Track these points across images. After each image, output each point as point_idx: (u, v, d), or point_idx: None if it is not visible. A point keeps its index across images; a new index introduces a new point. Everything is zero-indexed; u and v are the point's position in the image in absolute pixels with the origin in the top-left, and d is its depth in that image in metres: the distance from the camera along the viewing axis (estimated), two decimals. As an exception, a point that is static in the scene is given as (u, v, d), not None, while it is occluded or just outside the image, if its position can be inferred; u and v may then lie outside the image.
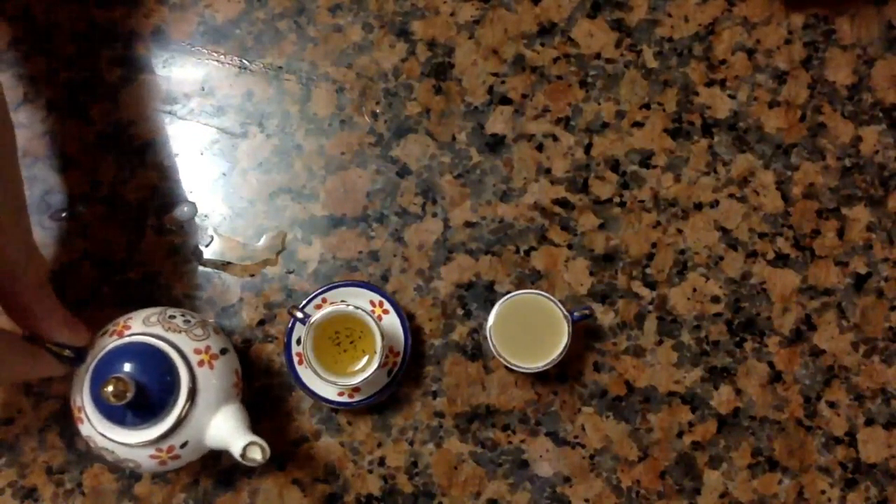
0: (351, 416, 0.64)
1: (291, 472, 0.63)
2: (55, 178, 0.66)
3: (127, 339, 0.53)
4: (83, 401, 0.53)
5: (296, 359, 0.62)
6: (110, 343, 0.53)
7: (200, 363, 0.53)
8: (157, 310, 0.56)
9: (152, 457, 0.53)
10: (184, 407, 0.52)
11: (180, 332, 0.54)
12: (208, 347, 0.54)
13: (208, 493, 0.63)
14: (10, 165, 0.51)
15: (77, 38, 0.68)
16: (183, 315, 0.56)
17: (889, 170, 0.66)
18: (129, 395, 0.49)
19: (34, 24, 0.68)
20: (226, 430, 0.53)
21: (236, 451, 0.52)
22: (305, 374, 0.62)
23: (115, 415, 0.51)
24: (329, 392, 0.61)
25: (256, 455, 0.52)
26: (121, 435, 0.52)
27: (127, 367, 0.51)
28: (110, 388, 0.48)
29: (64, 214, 0.66)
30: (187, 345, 0.54)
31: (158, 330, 0.54)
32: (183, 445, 0.53)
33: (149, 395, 0.51)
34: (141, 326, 0.54)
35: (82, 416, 0.53)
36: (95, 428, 0.52)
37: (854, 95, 0.67)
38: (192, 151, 0.67)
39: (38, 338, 0.53)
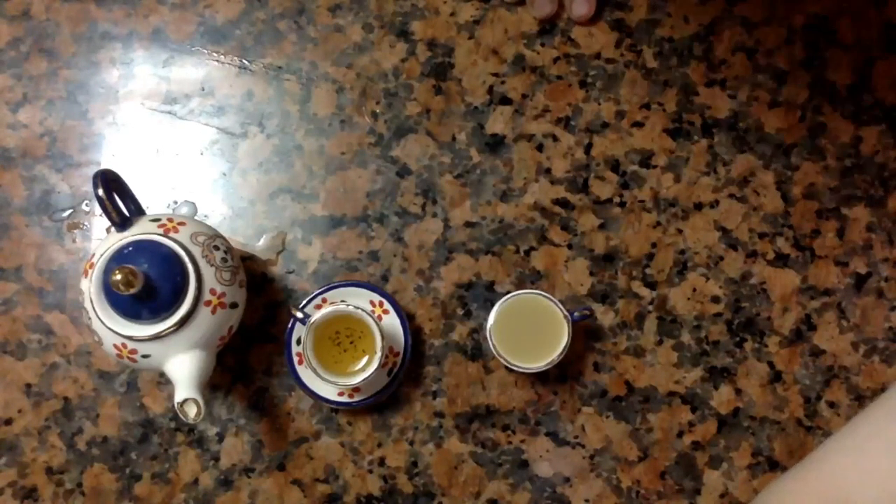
0: (351, 416, 0.64)
1: (291, 473, 0.63)
2: (55, 178, 0.66)
3: (166, 241, 0.53)
4: (99, 258, 0.53)
5: (296, 359, 0.62)
6: (154, 233, 0.54)
7: (208, 303, 0.54)
8: (211, 232, 0.57)
9: (116, 347, 0.54)
10: (166, 329, 0.53)
11: (212, 265, 0.55)
12: (223, 294, 0.55)
13: (208, 493, 0.63)
14: None
15: (77, 38, 0.68)
16: (226, 252, 0.56)
17: (889, 170, 0.66)
18: (135, 289, 0.50)
19: (34, 24, 0.68)
20: (184, 371, 0.53)
21: (177, 398, 0.52)
22: (305, 374, 0.62)
23: (112, 294, 0.52)
24: (329, 392, 0.61)
25: (191, 411, 0.52)
26: (107, 314, 0.53)
27: (146, 262, 0.52)
28: (119, 277, 0.50)
29: (64, 214, 0.66)
30: (209, 280, 0.54)
31: (196, 252, 0.54)
32: (145, 356, 0.54)
33: (150, 296, 0.52)
34: (185, 237, 0.55)
35: (90, 272, 0.54)
36: (91, 289, 0.53)
37: (854, 95, 0.67)
38: (192, 151, 0.67)
39: None
